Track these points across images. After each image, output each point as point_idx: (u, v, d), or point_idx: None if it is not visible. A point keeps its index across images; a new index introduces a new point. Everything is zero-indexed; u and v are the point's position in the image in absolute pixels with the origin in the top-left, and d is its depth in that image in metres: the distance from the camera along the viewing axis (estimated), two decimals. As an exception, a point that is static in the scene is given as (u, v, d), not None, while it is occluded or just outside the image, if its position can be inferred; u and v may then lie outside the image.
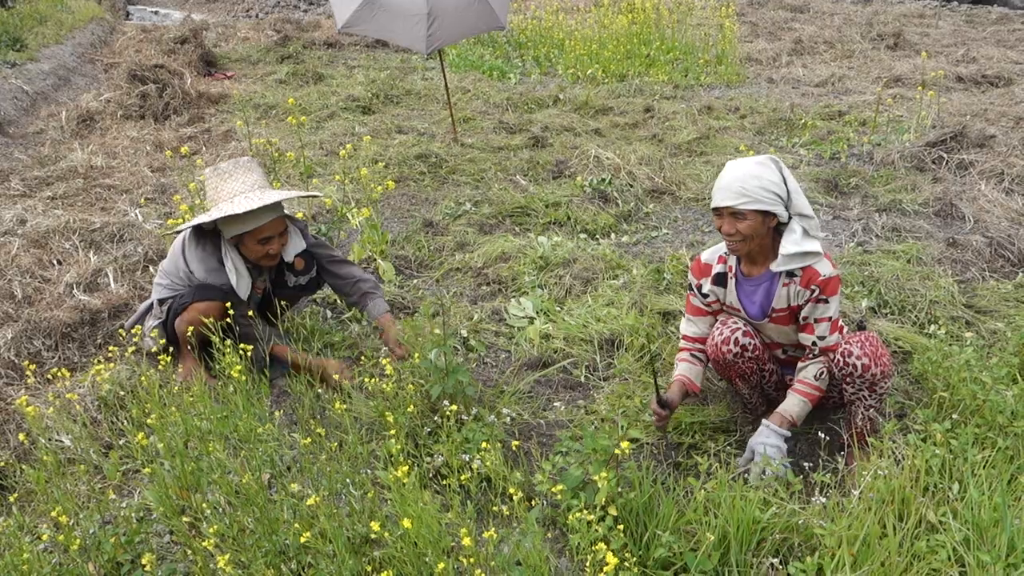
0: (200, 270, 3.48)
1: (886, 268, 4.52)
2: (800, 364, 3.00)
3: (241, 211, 3.30)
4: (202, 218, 3.42)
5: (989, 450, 2.71)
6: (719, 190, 2.85)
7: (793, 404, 2.94)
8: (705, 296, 3.13)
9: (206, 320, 3.22)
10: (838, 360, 2.88)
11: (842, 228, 5.42)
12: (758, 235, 2.84)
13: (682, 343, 3.26)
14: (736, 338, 3.02)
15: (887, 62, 10.67)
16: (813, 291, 2.84)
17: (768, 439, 2.87)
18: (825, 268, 2.83)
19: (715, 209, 2.88)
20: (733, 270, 3.04)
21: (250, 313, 3.48)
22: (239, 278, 3.48)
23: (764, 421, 2.93)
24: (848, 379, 2.87)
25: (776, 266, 2.85)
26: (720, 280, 3.07)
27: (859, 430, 2.90)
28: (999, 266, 4.65)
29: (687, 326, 3.25)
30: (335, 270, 3.86)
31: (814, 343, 2.93)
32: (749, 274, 3.00)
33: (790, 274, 2.88)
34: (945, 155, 6.40)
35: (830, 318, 2.88)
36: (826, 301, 2.85)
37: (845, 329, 3.14)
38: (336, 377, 3.44)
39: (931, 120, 7.50)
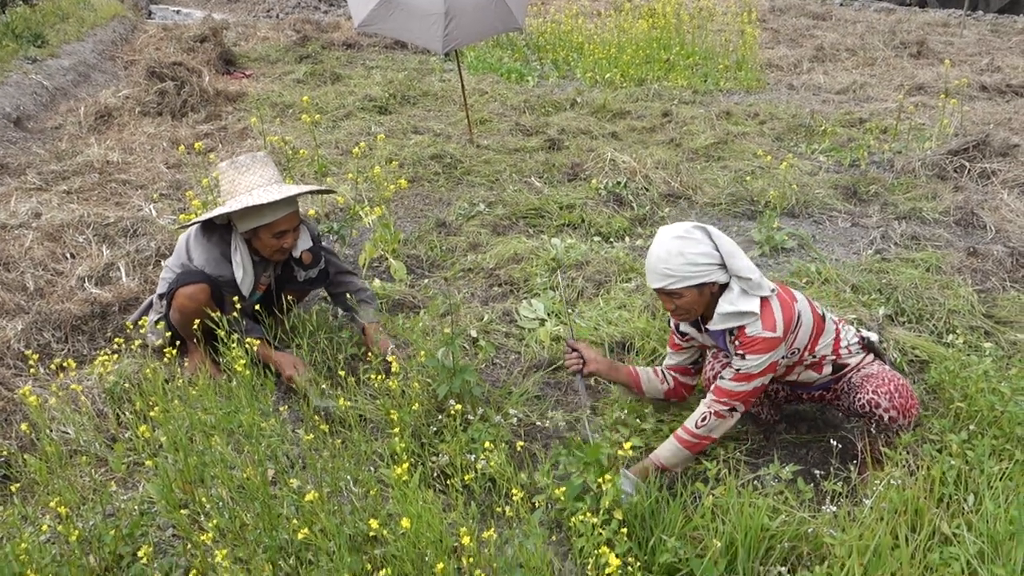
0: (200, 259, 3.45)
1: (904, 276, 4.44)
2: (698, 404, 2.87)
3: (263, 202, 3.30)
4: (221, 209, 3.41)
5: (1006, 462, 2.64)
6: (648, 272, 2.77)
7: (664, 449, 2.84)
8: (684, 335, 3.09)
9: (194, 304, 3.24)
10: (864, 405, 2.80)
11: (861, 236, 5.34)
12: (700, 304, 2.77)
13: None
14: None
15: (910, 70, 10.57)
16: (737, 344, 2.75)
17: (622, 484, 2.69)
18: (754, 328, 2.69)
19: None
20: (700, 318, 2.97)
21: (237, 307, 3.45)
22: (244, 274, 3.48)
23: (623, 469, 2.79)
24: (870, 422, 2.81)
25: (712, 325, 2.77)
26: (695, 324, 3.01)
27: (872, 440, 2.84)
28: (1020, 276, 4.56)
29: (667, 358, 3.23)
30: (337, 278, 3.88)
31: (720, 376, 2.81)
32: (708, 327, 2.91)
33: (731, 331, 2.78)
34: (967, 164, 6.32)
35: (738, 370, 2.73)
36: (743, 357, 2.71)
37: (754, 386, 2.78)
38: (288, 374, 3.43)
39: (953, 128, 7.41)
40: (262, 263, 3.61)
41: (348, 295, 3.79)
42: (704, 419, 2.78)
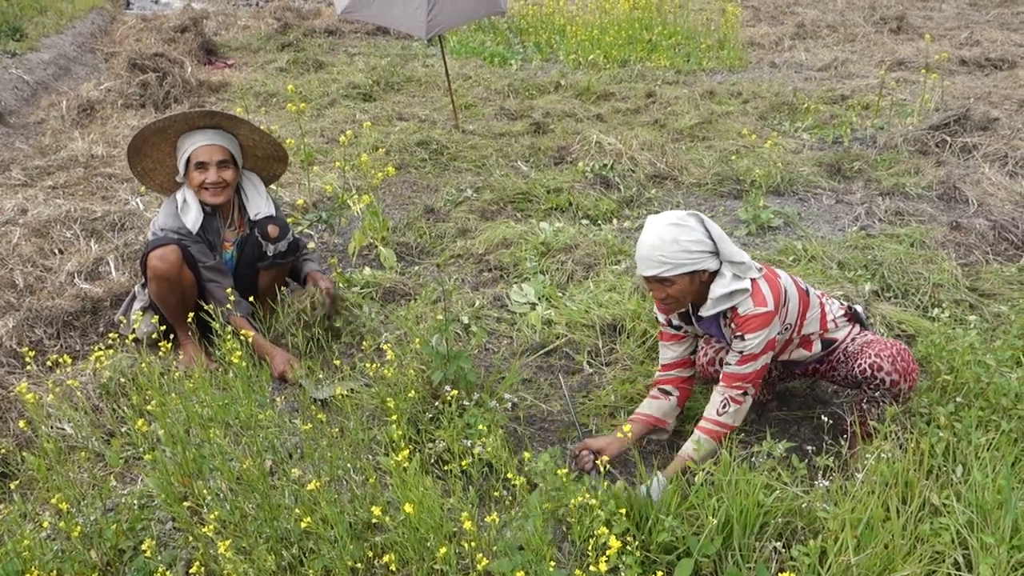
0: (161, 218, 3.64)
1: (889, 252, 4.49)
2: (714, 392, 2.87)
3: (172, 114, 3.55)
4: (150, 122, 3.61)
5: (993, 433, 2.69)
6: (640, 260, 2.72)
7: (691, 445, 2.81)
8: (677, 328, 3.05)
9: (165, 265, 3.42)
10: (865, 370, 2.82)
11: (845, 212, 5.39)
12: (690, 293, 2.75)
13: (656, 375, 3.14)
14: (721, 358, 3.00)
15: (890, 45, 10.61)
16: (733, 327, 2.77)
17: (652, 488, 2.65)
18: (745, 306, 2.71)
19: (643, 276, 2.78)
20: (690, 308, 2.95)
21: (228, 291, 3.49)
22: (189, 209, 3.62)
23: (656, 473, 2.76)
24: (870, 387, 2.83)
25: (704, 310, 2.76)
26: (685, 317, 2.99)
27: (863, 414, 2.89)
28: (1003, 249, 4.62)
29: (664, 352, 3.12)
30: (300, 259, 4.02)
31: (726, 363, 2.83)
32: (700, 314, 2.89)
33: (725, 314, 2.80)
34: (948, 138, 6.37)
35: (741, 352, 2.75)
36: (742, 338, 2.74)
37: (760, 360, 2.81)
38: (281, 370, 3.50)
39: (934, 103, 7.46)
40: (214, 214, 3.72)
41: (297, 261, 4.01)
42: (724, 406, 2.80)
